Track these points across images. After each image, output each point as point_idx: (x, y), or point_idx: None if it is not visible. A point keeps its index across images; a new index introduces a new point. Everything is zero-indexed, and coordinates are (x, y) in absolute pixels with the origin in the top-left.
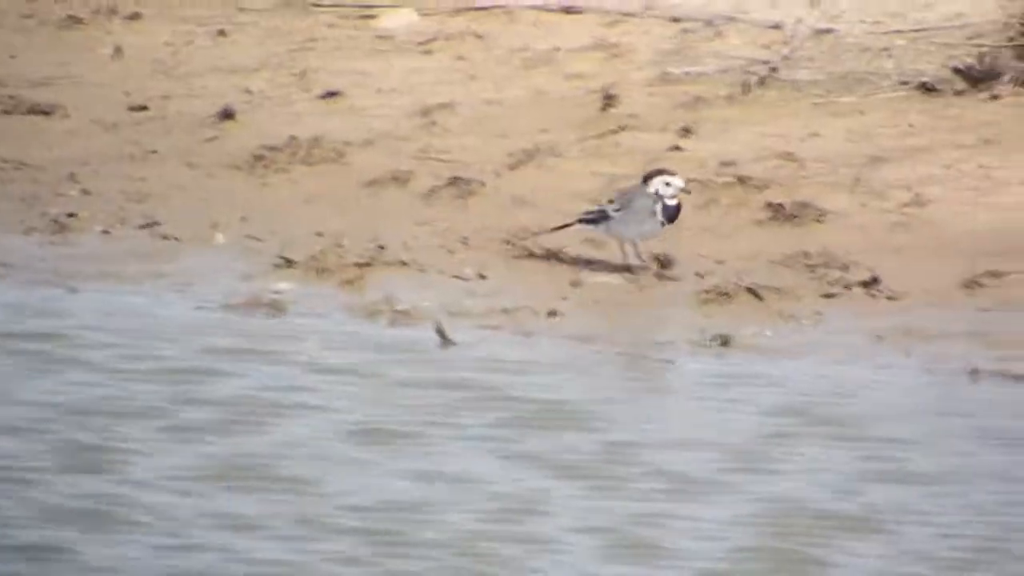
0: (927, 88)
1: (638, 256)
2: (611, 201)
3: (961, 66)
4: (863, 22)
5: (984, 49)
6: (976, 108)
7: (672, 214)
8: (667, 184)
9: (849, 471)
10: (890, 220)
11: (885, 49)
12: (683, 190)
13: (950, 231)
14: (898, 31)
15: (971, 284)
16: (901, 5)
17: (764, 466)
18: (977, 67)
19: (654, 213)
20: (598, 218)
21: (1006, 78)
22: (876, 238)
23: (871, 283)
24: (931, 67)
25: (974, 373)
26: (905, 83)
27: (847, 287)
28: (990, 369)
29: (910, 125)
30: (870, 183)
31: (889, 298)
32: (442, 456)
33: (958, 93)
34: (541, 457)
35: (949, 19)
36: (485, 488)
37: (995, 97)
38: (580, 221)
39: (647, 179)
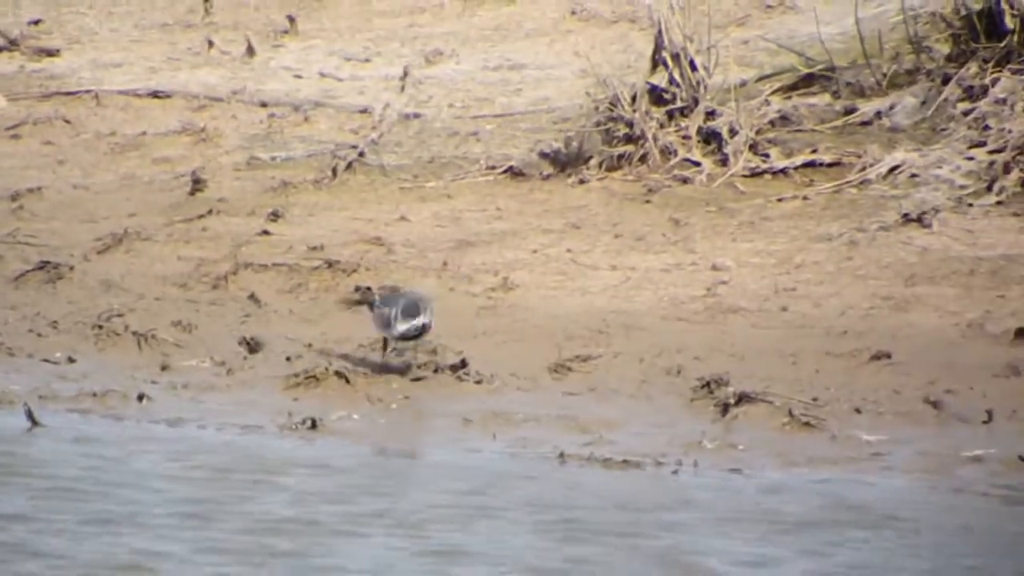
0: (515, 172)
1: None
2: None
3: (548, 150)
4: (451, 107)
5: (571, 133)
6: (563, 192)
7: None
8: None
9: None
10: (478, 304)
11: (473, 133)
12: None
13: (537, 315)
14: (486, 116)
15: (558, 368)
16: (488, 91)
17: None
18: (564, 151)
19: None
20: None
21: (593, 163)
22: (464, 322)
23: (459, 367)
24: (519, 151)
25: (561, 457)
26: (493, 167)
27: (436, 370)
28: (576, 453)
29: (498, 209)
30: (458, 267)
31: (477, 382)
32: None
33: (545, 177)
34: None
35: (536, 103)
36: None
37: (582, 182)
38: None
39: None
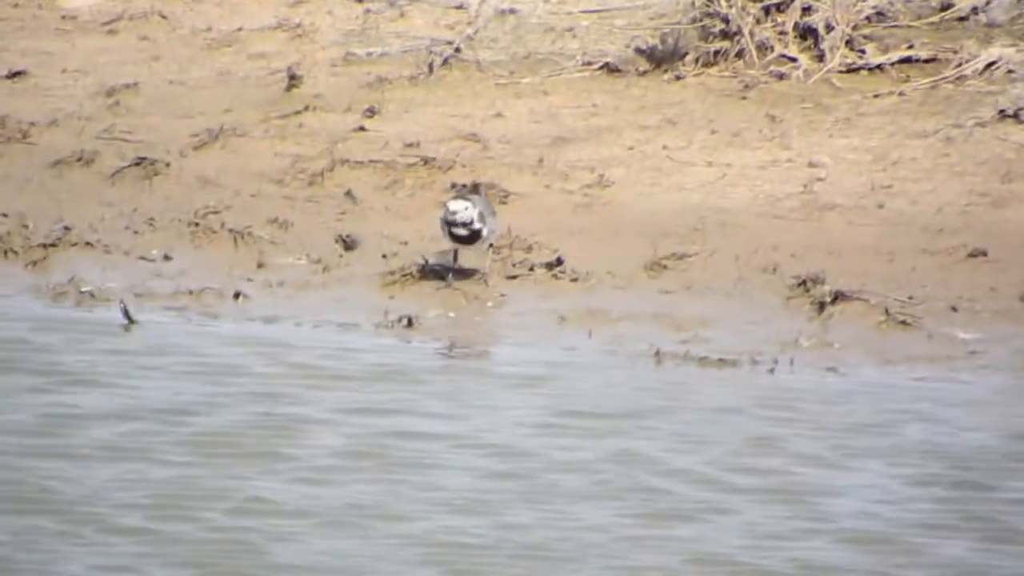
0: (610, 68)
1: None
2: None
3: (644, 47)
4: (547, 2)
5: (667, 30)
6: (659, 89)
7: (458, 238)
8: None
9: None
10: (574, 202)
11: (569, 29)
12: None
13: (633, 212)
14: (581, 11)
15: (654, 266)
16: None
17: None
18: (660, 48)
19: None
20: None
21: (689, 59)
22: (560, 220)
23: (555, 264)
24: (615, 48)
25: (657, 355)
26: (589, 63)
27: (531, 269)
28: (672, 351)
29: (593, 105)
30: (554, 164)
31: (572, 280)
32: None
33: (641, 74)
34: None
35: (632, 0)
36: None
37: (678, 78)
38: None
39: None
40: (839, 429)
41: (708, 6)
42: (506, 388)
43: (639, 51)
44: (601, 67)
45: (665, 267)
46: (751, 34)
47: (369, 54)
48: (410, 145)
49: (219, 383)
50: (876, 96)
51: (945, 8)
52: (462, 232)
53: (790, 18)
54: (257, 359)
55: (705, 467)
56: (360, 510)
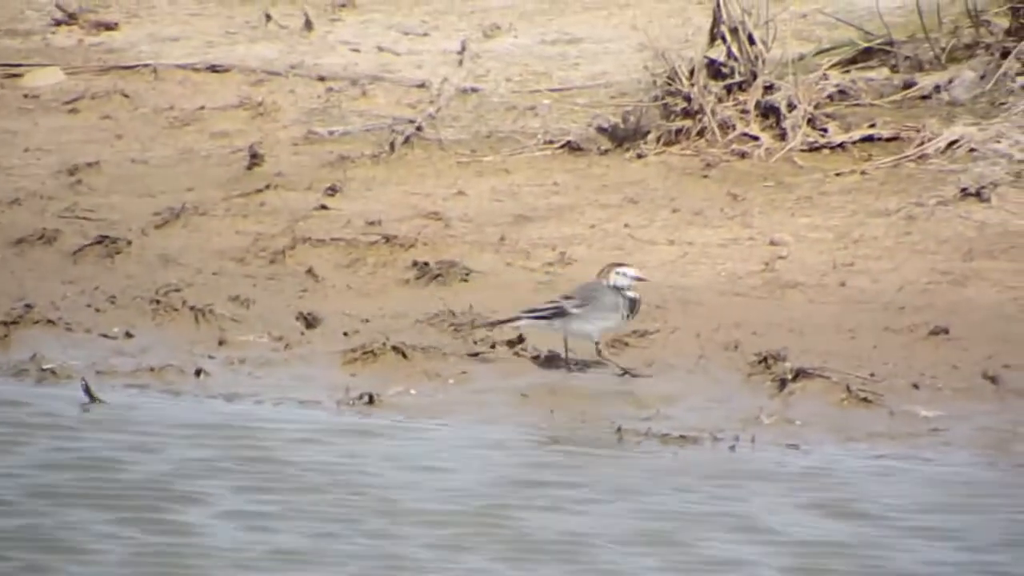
0: (572, 147)
1: (598, 351)
2: (568, 297)
3: (606, 125)
4: (509, 81)
5: (629, 108)
6: (621, 167)
7: (635, 306)
8: (622, 275)
9: None
10: (535, 279)
11: (530, 108)
12: (638, 278)
13: None
14: (543, 90)
15: (616, 343)
16: (546, 65)
17: None
18: (622, 126)
19: (618, 307)
20: (553, 314)
21: (651, 137)
22: (522, 297)
23: (517, 342)
24: (576, 126)
25: (619, 432)
26: (551, 142)
27: (492, 346)
28: (634, 428)
29: (555, 184)
30: (516, 242)
31: (534, 357)
32: None
33: (603, 152)
34: None
35: (594, 78)
36: None
37: (640, 156)
38: (532, 316)
39: (603, 274)
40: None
41: (670, 85)
42: (469, 458)
43: (601, 130)
44: (563, 146)
45: (627, 344)
46: (713, 112)
47: (331, 133)
48: (372, 223)
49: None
50: (838, 174)
51: (908, 87)
52: (634, 295)
53: (752, 97)
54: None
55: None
56: None
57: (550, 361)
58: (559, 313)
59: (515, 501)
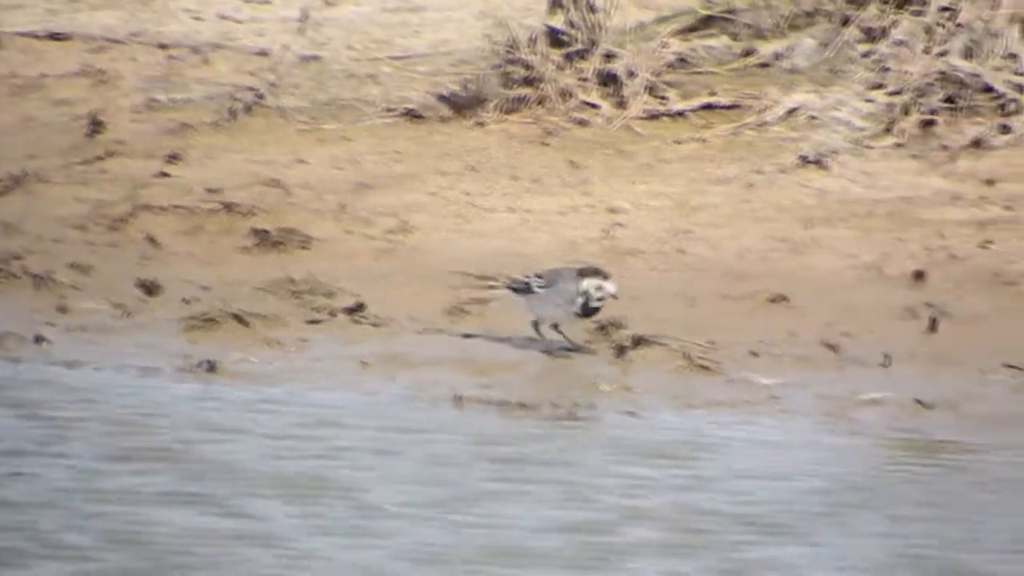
0: (413, 115)
1: (537, 331)
2: (539, 276)
3: (446, 93)
4: (350, 49)
5: (469, 76)
6: (461, 135)
7: (589, 312)
8: (598, 288)
9: None
10: (376, 247)
11: (371, 76)
12: (612, 296)
13: (435, 258)
14: (384, 58)
15: (455, 311)
16: (387, 32)
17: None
18: (462, 94)
19: (573, 303)
20: (521, 289)
21: (491, 105)
22: (362, 265)
23: (356, 309)
24: (417, 94)
25: (458, 400)
26: (391, 110)
27: (332, 314)
28: (473, 395)
29: (396, 151)
30: (356, 210)
31: (374, 325)
32: None
33: (444, 120)
34: None
35: (435, 46)
36: None
37: (480, 124)
38: (510, 288)
39: (583, 273)
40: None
41: (510, 53)
42: (306, 427)
43: (441, 98)
44: (403, 114)
45: (467, 312)
46: (553, 80)
47: (172, 100)
48: (213, 191)
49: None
50: (677, 142)
51: (747, 54)
52: (597, 305)
53: (592, 65)
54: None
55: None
56: None
57: (390, 329)
58: (525, 289)
59: (339, 465)
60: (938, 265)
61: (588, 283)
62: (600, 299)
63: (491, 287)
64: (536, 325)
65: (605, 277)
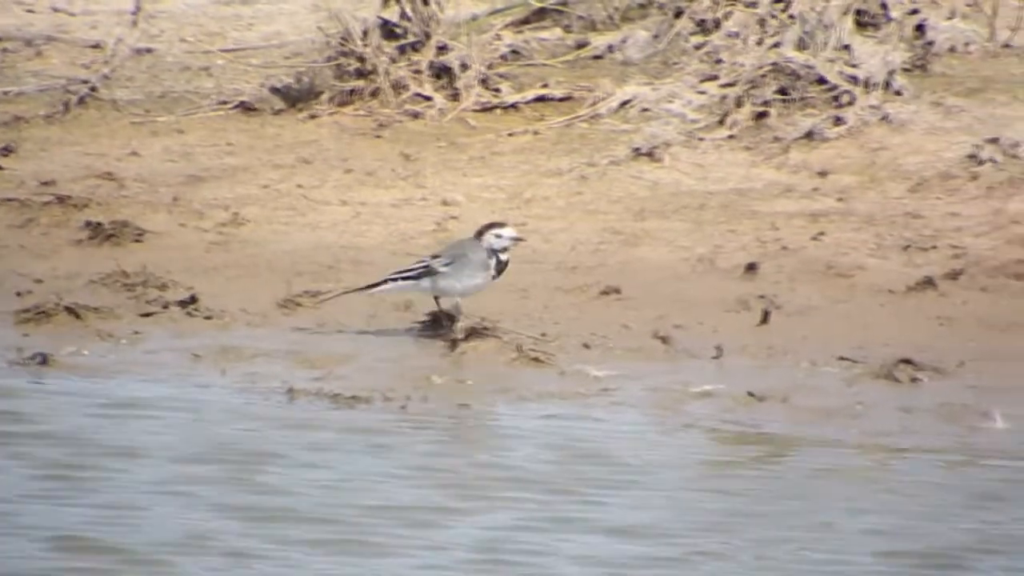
0: (246, 107)
1: (457, 309)
2: (436, 256)
3: (279, 86)
4: (183, 41)
5: (302, 69)
6: (294, 127)
7: (503, 267)
8: (498, 236)
9: None
10: (208, 240)
11: (204, 68)
12: (515, 239)
13: (268, 250)
14: (218, 51)
15: (288, 303)
16: (220, 25)
17: None
18: (295, 87)
19: (487, 267)
20: (421, 274)
21: (324, 98)
22: (195, 258)
23: (189, 302)
24: (250, 86)
25: (290, 392)
26: (224, 102)
27: (165, 306)
28: (306, 388)
29: (229, 144)
30: (189, 202)
31: (207, 317)
32: None
33: (277, 113)
34: None
35: (268, 39)
36: None
37: (313, 117)
38: (400, 277)
39: (479, 234)
40: None
41: (343, 45)
42: (135, 420)
43: (274, 90)
44: (237, 106)
45: (299, 305)
46: (386, 73)
47: (5, 93)
48: (46, 183)
49: None
50: (511, 135)
51: (580, 46)
52: (506, 258)
53: (425, 57)
54: None
55: None
56: None
57: (223, 321)
58: (427, 272)
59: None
60: (770, 257)
61: (489, 239)
62: (505, 248)
63: (375, 287)
64: (440, 302)
65: (500, 225)
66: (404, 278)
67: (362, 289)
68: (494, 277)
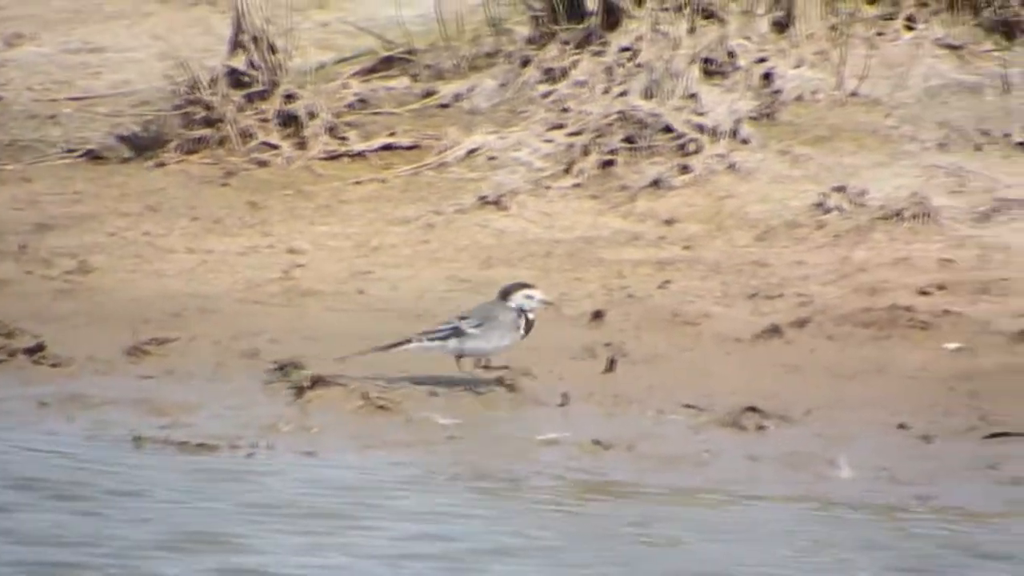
0: (93, 155)
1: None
2: (464, 317)
3: (127, 133)
4: (31, 90)
5: (150, 117)
6: (142, 176)
7: (530, 328)
8: (529, 298)
9: None
10: (55, 287)
11: (51, 117)
12: (545, 302)
13: (115, 298)
14: (65, 99)
15: (135, 351)
16: (68, 73)
17: None
18: (142, 135)
19: (517, 327)
20: (449, 335)
21: (171, 145)
22: (42, 306)
23: (36, 350)
24: (97, 135)
25: (137, 440)
26: (72, 151)
27: (12, 354)
28: (153, 436)
29: (76, 192)
30: (36, 250)
31: (54, 365)
32: None
33: (124, 161)
34: None
35: (116, 87)
36: None
37: (161, 165)
38: (427, 338)
39: (506, 294)
40: None
41: (191, 93)
42: None
43: (121, 138)
44: (84, 154)
45: (146, 352)
46: (233, 121)
47: None
48: None
49: None
50: (357, 183)
51: (428, 95)
52: (533, 317)
53: (272, 105)
54: None
55: None
56: None
57: (70, 369)
58: (455, 333)
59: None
60: (617, 305)
61: (519, 300)
62: (533, 309)
63: (397, 346)
64: (461, 364)
65: (530, 287)
66: (431, 338)
67: (385, 348)
68: (522, 337)
